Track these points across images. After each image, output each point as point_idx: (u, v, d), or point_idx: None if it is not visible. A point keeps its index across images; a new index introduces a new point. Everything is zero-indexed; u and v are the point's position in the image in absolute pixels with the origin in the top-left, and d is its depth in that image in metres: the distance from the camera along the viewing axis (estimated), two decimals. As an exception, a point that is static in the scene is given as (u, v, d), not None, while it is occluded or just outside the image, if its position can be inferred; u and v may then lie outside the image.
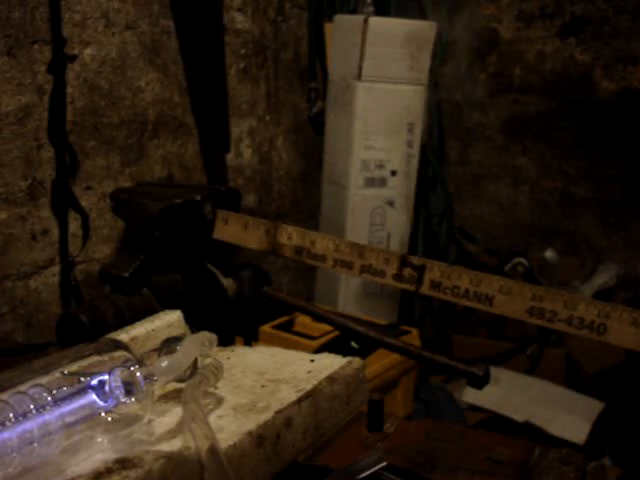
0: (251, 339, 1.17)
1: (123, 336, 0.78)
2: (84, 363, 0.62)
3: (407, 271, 0.85)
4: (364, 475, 0.64)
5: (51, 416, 0.56)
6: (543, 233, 2.48)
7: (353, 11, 2.10)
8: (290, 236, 0.98)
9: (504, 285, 0.81)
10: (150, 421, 0.65)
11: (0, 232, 1.30)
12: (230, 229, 1.02)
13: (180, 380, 0.69)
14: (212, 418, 0.67)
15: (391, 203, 1.99)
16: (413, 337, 1.52)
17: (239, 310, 1.05)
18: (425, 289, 0.85)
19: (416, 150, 2.00)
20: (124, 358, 0.63)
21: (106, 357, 0.63)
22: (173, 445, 0.61)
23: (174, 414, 0.67)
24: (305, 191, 2.20)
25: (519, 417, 1.89)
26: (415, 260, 0.85)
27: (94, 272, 1.44)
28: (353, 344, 1.37)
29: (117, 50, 1.50)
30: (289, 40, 2.07)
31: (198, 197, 1.04)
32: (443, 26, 2.22)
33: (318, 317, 1.08)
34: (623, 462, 1.80)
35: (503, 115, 2.51)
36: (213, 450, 0.57)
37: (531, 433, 1.81)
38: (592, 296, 2.14)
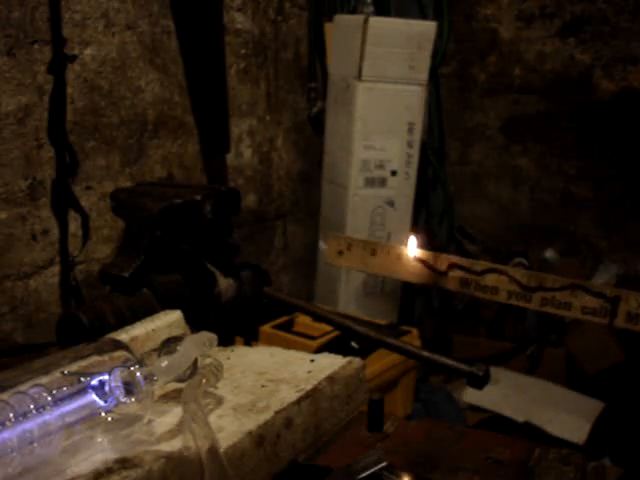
0: (251, 339, 1.17)
1: (123, 336, 0.78)
2: (84, 363, 0.62)
3: (598, 303, 0.79)
4: (364, 475, 0.64)
5: (51, 416, 0.56)
6: (543, 233, 2.47)
7: (353, 11, 2.10)
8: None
9: None
10: (150, 421, 0.65)
11: (0, 232, 1.30)
12: (379, 260, 0.96)
13: (180, 380, 0.69)
14: (212, 418, 0.67)
15: (391, 203, 1.99)
16: (413, 337, 1.52)
17: (239, 310, 1.05)
18: (620, 322, 0.78)
19: (416, 150, 2.00)
20: (124, 358, 0.63)
21: (106, 357, 0.63)
22: (173, 445, 0.61)
23: (174, 414, 0.67)
24: (305, 191, 2.20)
25: (519, 417, 1.88)
26: (608, 291, 0.79)
27: (94, 272, 1.44)
28: (353, 344, 1.37)
29: (117, 50, 1.50)
30: (289, 40, 2.07)
31: (198, 197, 1.04)
32: (443, 26, 2.21)
33: (318, 317, 1.09)
34: (623, 462, 1.80)
35: (503, 115, 2.51)
36: (213, 450, 0.57)
37: (531, 433, 1.81)
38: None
